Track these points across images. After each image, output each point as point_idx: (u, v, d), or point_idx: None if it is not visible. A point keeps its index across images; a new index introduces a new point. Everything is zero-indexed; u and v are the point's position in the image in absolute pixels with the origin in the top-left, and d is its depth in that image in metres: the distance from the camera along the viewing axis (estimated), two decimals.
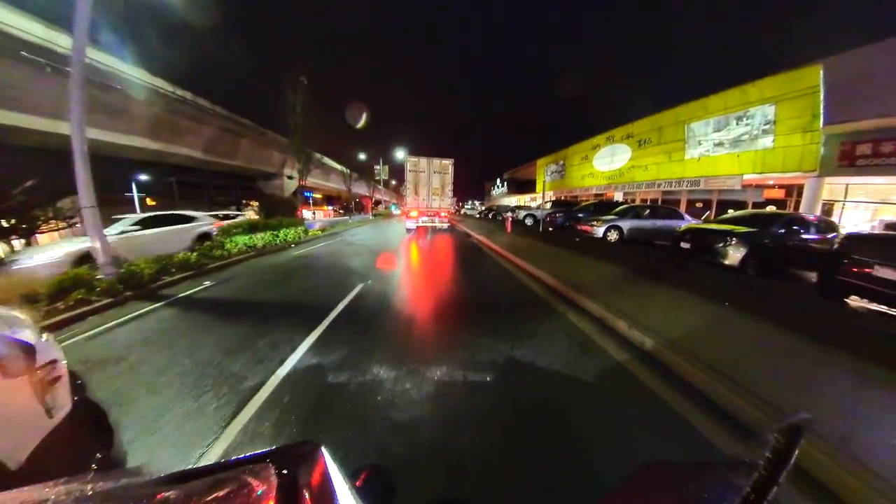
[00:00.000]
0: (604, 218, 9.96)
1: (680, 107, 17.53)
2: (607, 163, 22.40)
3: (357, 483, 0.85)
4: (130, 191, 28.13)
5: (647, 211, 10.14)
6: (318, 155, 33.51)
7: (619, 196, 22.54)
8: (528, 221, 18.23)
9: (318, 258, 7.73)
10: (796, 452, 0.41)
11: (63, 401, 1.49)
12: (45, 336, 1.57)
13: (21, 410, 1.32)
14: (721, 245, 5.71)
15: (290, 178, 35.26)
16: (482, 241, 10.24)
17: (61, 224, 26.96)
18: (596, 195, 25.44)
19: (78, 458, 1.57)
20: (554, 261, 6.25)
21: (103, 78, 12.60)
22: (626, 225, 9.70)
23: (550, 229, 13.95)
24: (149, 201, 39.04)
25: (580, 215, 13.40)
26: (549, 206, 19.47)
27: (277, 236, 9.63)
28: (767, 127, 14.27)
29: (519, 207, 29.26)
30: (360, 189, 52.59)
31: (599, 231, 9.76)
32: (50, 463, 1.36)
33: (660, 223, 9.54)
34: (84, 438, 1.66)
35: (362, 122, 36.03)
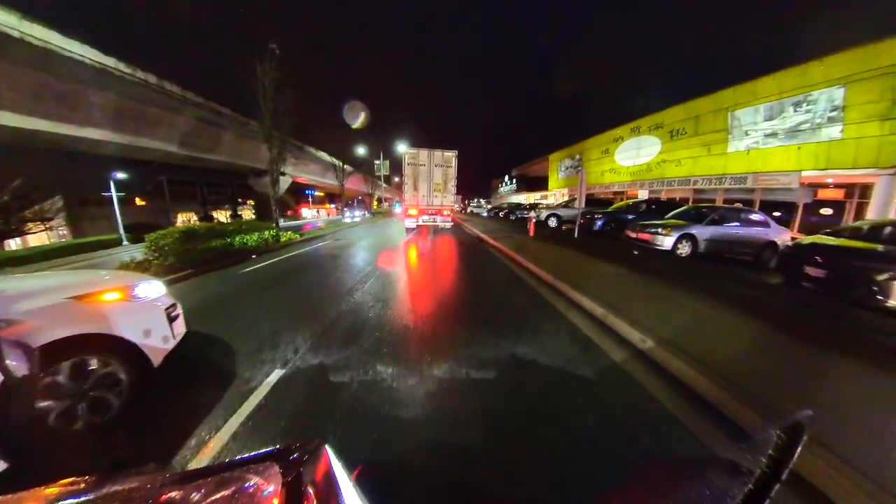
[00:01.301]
0: (672, 223, 7.54)
1: (722, 91, 15.23)
2: (632, 157, 20.13)
3: (351, 478, 0.84)
4: (109, 190, 26.41)
5: (722, 213, 7.59)
6: (299, 143, 31.28)
7: (643, 194, 20.29)
8: (552, 223, 15.70)
9: (263, 282, 5.62)
10: (799, 450, 0.40)
11: (180, 328, 2.69)
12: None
13: (160, 330, 2.45)
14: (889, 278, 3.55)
15: (282, 174, 33.34)
16: (502, 249, 7.97)
17: (39, 227, 25.68)
18: (615, 193, 23.19)
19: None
20: (639, 299, 4.02)
21: (41, 56, 10.66)
22: (703, 233, 7.18)
23: (574, 234, 11.59)
24: (138, 201, 37.66)
25: (628, 217, 11.01)
26: (564, 203, 17.09)
27: (232, 245, 7.65)
28: (834, 114, 12.00)
29: (534, 205, 26.78)
30: (360, 185, 50.69)
31: (667, 241, 7.17)
32: (170, 365, 2.48)
33: (743, 232, 7.24)
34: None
35: (360, 119, 34.01)
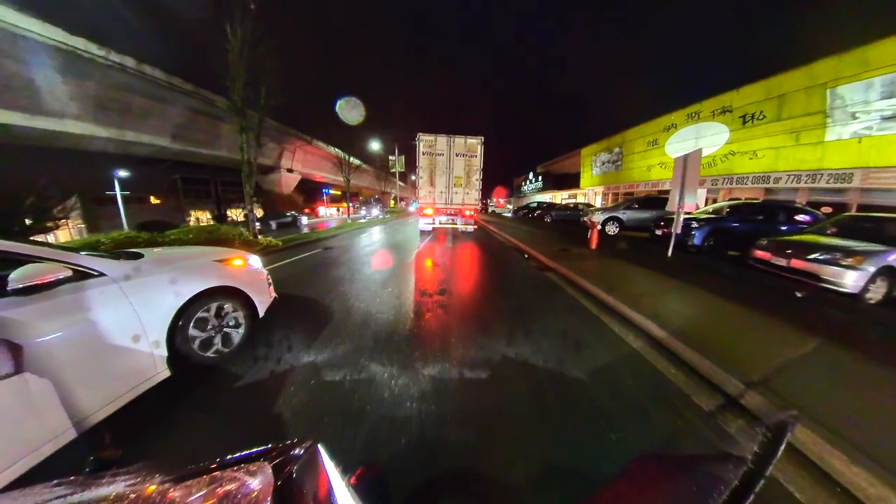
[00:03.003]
0: (860, 247, 4.56)
1: (818, 62, 12.15)
2: (689, 148, 17.11)
3: (352, 481, 0.90)
4: (114, 188, 26.00)
5: None
6: (308, 137, 29.23)
7: (700, 193, 17.29)
8: (612, 229, 12.73)
9: None
10: (783, 447, 0.42)
11: (273, 293, 3.49)
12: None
13: (264, 289, 3.28)
14: None
15: (289, 170, 32.26)
16: (575, 280, 5.27)
17: (51, 225, 25.79)
18: (660, 192, 20.17)
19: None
20: None
21: None
22: None
23: (656, 249, 8.34)
24: (153, 199, 37.81)
25: (732, 226, 8.03)
26: (627, 203, 14.22)
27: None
28: None
29: (573, 205, 23.47)
30: (373, 183, 49.33)
31: (852, 278, 4.33)
32: (267, 318, 3.32)
33: None
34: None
35: (363, 115, 32.16)
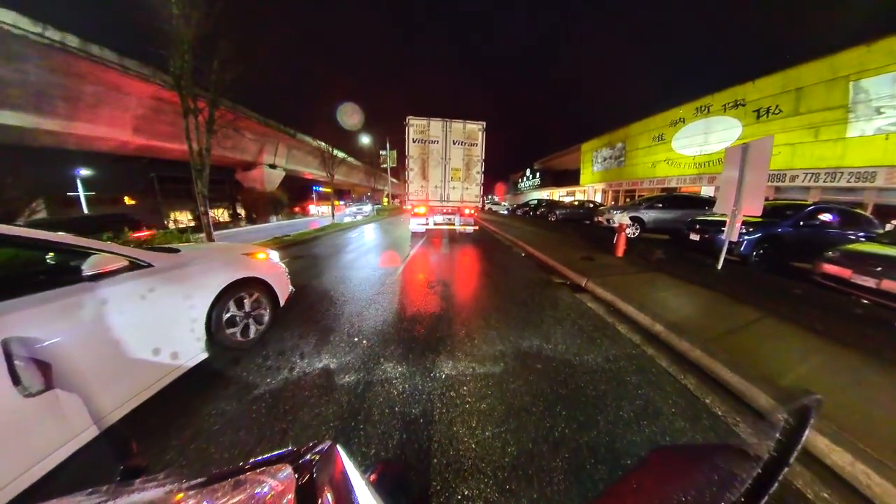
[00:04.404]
0: None
1: (840, 53, 11.39)
2: (698, 143, 16.39)
3: (371, 478, 0.89)
4: (89, 189, 24.20)
5: None
6: (292, 131, 27.39)
7: (708, 192, 16.55)
8: (631, 231, 11.42)
9: None
10: (806, 434, 0.41)
11: (291, 285, 3.75)
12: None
13: (284, 281, 3.58)
14: None
15: (271, 167, 30.64)
16: (626, 311, 3.88)
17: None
18: (664, 190, 19.40)
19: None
20: None
21: None
22: None
23: (711, 262, 6.47)
24: (127, 200, 35.90)
25: (781, 231, 6.77)
26: (649, 202, 12.47)
27: None
28: None
29: (581, 203, 21.58)
30: (363, 180, 47.96)
31: None
32: (288, 308, 3.79)
33: None
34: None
35: (358, 114, 30.68)
